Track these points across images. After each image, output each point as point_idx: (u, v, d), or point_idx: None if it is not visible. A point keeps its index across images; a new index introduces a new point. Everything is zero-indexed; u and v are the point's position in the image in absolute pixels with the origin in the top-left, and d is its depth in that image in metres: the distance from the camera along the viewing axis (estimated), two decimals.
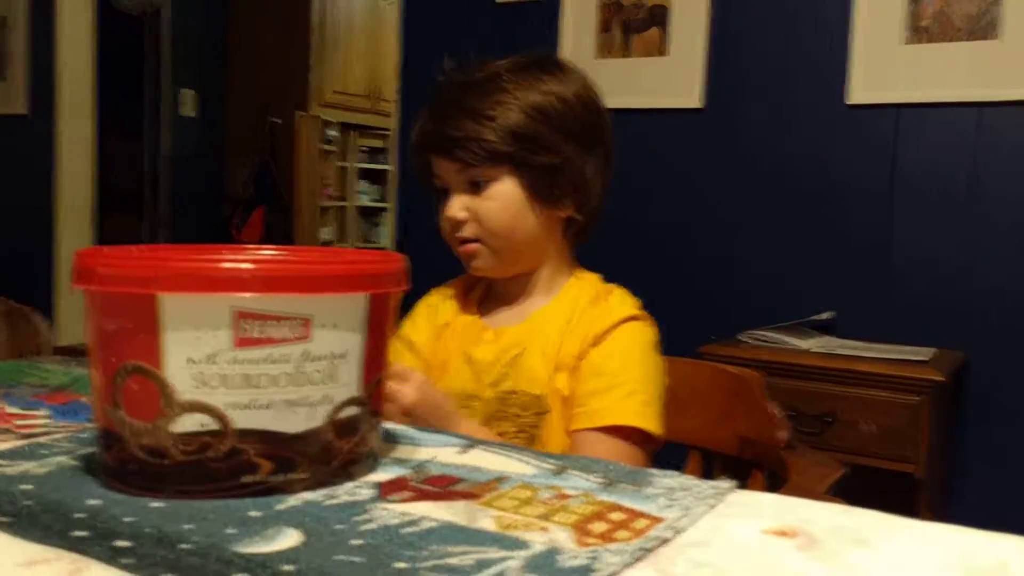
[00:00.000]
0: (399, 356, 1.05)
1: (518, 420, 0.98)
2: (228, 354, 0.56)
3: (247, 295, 0.56)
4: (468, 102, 0.99)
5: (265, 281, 0.57)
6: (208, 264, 0.59)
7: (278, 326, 0.57)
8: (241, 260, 0.59)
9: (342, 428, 0.61)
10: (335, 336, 0.60)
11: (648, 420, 0.95)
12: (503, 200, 1.00)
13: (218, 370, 0.56)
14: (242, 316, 0.56)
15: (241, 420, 0.57)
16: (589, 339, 0.99)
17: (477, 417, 1.00)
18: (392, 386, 0.83)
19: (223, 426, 0.57)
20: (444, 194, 1.03)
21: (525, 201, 1.00)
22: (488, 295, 1.10)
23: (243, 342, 0.57)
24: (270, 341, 0.57)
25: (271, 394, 0.58)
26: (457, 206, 1.01)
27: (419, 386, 0.87)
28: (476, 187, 1.00)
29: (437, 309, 1.10)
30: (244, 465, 0.58)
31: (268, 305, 0.57)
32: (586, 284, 1.06)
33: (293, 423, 0.59)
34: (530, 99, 0.99)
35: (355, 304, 0.61)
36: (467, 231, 1.01)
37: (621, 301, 1.03)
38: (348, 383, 0.61)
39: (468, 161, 0.99)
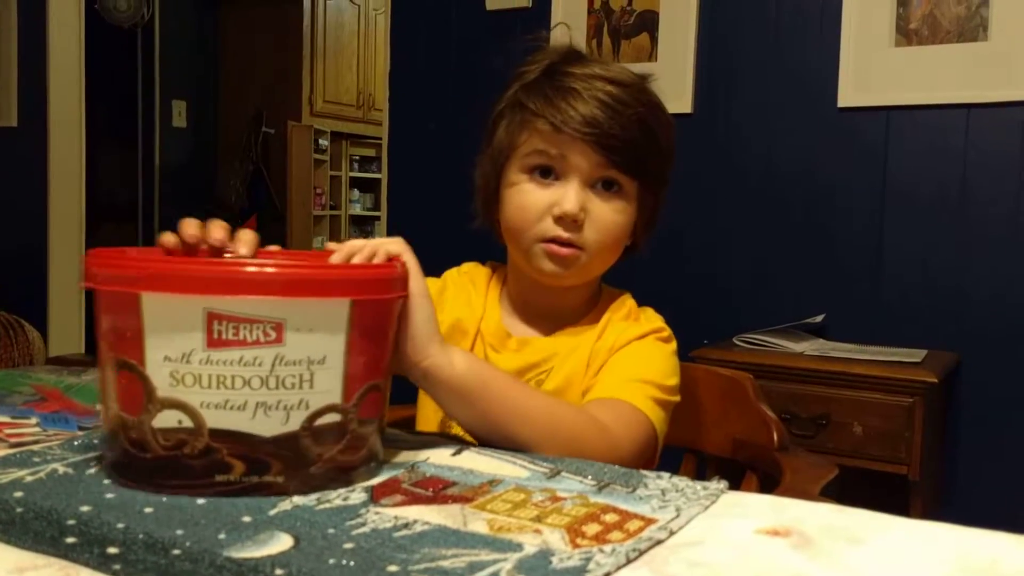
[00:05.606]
0: None
1: None
2: (201, 354, 0.57)
3: (218, 297, 0.57)
4: (632, 105, 0.90)
5: (234, 283, 0.58)
6: (183, 265, 0.61)
7: (250, 328, 0.57)
8: (216, 262, 0.60)
9: (320, 434, 0.61)
10: (311, 341, 0.59)
11: (653, 412, 0.88)
12: (627, 214, 0.92)
13: (192, 369, 0.57)
14: (214, 317, 0.57)
15: (214, 419, 0.58)
16: (615, 350, 0.94)
17: None
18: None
19: (197, 424, 0.58)
20: (534, 172, 0.91)
21: (633, 221, 0.94)
22: (507, 297, 1.02)
23: (215, 343, 0.57)
24: (242, 343, 0.57)
25: (244, 396, 0.58)
26: (578, 202, 0.89)
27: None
28: (606, 187, 0.91)
29: (469, 298, 1.01)
30: (218, 464, 0.58)
31: (239, 307, 0.57)
32: (617, 302, 1.00)
33: (267, 426, 0.59)
34: (669, 125, 0.95)
35: (335, 309, 0.60)
36: (577, 233, 0.90)
37: (649, 319, 0.99)
38: (328, 390, 0.60)
39: (624, 166, 0.90)
